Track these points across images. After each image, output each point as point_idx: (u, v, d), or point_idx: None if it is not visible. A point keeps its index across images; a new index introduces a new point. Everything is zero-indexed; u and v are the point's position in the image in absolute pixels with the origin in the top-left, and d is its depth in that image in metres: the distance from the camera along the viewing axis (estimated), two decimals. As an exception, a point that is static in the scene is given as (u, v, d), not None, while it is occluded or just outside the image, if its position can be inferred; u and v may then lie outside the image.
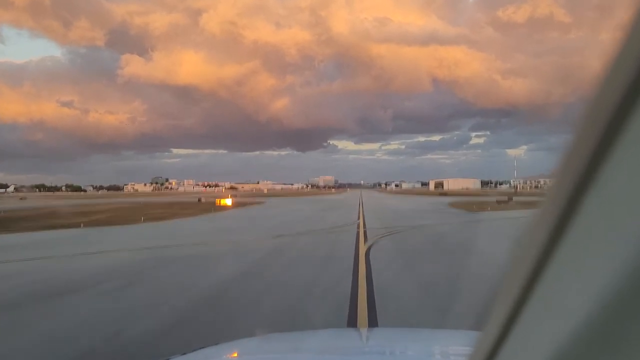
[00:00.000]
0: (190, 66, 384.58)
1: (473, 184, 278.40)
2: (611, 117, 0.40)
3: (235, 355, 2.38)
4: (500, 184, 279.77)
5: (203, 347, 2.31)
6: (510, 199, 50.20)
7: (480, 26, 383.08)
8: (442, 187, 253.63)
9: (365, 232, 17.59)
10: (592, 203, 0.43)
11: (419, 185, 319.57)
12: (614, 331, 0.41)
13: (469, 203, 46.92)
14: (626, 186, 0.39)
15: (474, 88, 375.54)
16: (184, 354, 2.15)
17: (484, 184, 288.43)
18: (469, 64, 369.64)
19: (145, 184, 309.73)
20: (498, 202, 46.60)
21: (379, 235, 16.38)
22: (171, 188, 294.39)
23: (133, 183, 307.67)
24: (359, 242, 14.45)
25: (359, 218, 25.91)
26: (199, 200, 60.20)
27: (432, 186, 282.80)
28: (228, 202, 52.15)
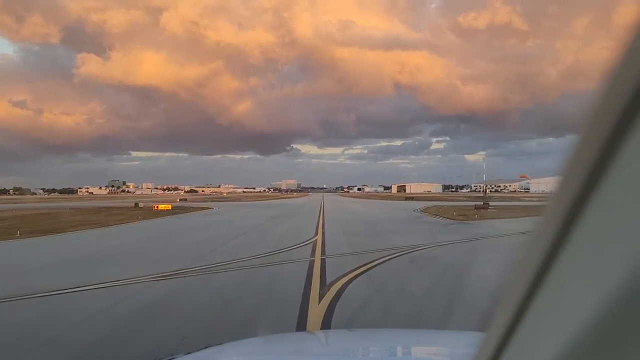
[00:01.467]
0: (150, 66, 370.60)
1: (434, 188, 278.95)
2: (616, 121, 0.40)
3: (238, 355, 2.33)
4: (461, 188, 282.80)
5: (206, 347, 2.33)
6: (486, 204, 44.96)
7: (442, 31, 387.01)
8: (405, 190, 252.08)
9: (323, 264, 10.98)
10: (597, 207, 0.43)
11: (381, 189, 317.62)
12: (618, 334, 0.40)
13: (444, 209, 41.19)
14: (631, 190, 0.39)
15: (435, 93, 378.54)
16: (188, 353, 2.18)
17: (445, 187, 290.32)
18: (430, 70, 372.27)
19: (100, 187, 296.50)
20: (477, 207, 41.15)
21: (346, 271, 9.80)
22: (128, 191, 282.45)
23: (88, 186, 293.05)
24: (308, 292, 7.84)
25: (316, 232, 19.31)
26: (136, 205, 52.42)
27: (394, 190, 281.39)
28: (167, 207, 45.78)
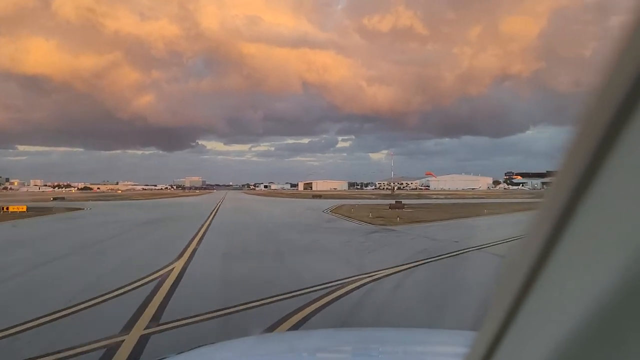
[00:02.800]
0: (40, 54, 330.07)
1: (340, 185, 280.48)
2: (611, 117, 0.40)
3: (231, 354, 2.31)
4: (366, 185, 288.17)
5: (199, 347, 2.32)
6: (400, 202, 41.02)
7: (348, 32, 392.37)
8: (311, 188, 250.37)
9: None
10: (591, 204, 0.43)
11: (288, 187, 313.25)
12: (611, 332, 0.41)
13: (356, 209, 36.21)
14: (625, 187, 0.39)
15: (342, 93, 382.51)
16: (180, 353, 2.18)
17: (350, 185, 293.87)
18: (337, 69, 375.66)
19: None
20: (392, 207, 36.87)
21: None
22: (11, 188, 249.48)
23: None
24: None
25: (184, 252, 12.75)
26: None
27: (301, 187, 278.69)
28: (20, 208, 36.57)
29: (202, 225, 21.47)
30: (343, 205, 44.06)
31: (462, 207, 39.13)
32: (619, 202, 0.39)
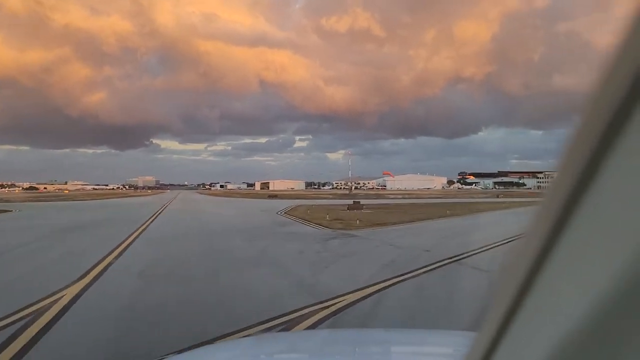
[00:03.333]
0: None
1: (298, 185, 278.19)
2: (609, 118, 0.40)
3: (230, 354, 2.27)
4: (323, 185, 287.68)
5: (198, 346, 2.31)
6: (358, 202, 39.14)
7: (306, 32, 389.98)
8: (268, 187, 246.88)
9: None
10: (590, 205, 0.42)
11: (244, 186, 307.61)
12: (609, 333, 0.41)
13: (312, 210, 33.90)
14: (624, 189, 0.39)
15: (300, 93, 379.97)
16: (180, 352, 2.31)
17: (308, 184, 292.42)
18: (295, 69, 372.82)
19: None
20: (350, 208, 34.89)
21: None
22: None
23: None
24: None
25: (105, 268, 10.04)
26: None
27: (258, 187, 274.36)
28: None
29: (136, 231, 18.60)
30: (299, 205, 41.74)
31: (422, 208, 37.65)
32: (617, 203, 0.39)
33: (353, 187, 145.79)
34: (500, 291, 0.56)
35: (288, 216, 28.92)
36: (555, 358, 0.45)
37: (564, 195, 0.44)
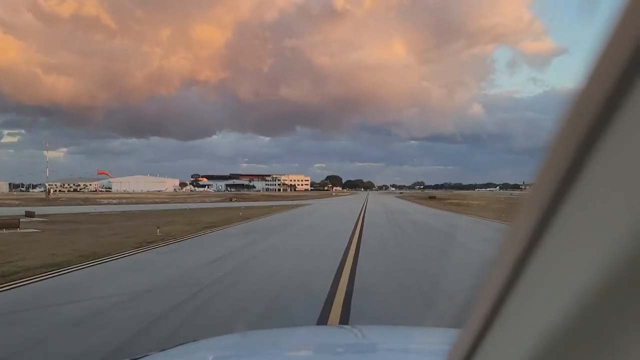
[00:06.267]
0: None
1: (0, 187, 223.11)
2: (594, 115, 0.39)
3: (214, 351, 2.22)
4: (34, 187, 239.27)
5: (182, 344, 2.27)
6: (17, 220, 25.93)
7: (19, 10, 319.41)
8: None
9: None
10: (574, 202, 0.43)
11: None
12: (595, 328, 0.41)
13: None
14: (609, 185, 0.39)
15: (11, 80, 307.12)
16: (163, 350, 2.12)
17: (15, 186, 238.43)
18: (5, 51, 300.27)
19: None
20: (5, 226, 21.59)
21: None
22: None
23: None
24: None
25: None
26: None
27: None
28: None
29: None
30: None
31: (128, 220, 27.08)
32: (602, 199, 0.39)
33: (53, 190, 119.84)
34: (485, 287, 0.55)
35: None
36: (540, 353, 0.45)
37: (549, 191, 0.44)
